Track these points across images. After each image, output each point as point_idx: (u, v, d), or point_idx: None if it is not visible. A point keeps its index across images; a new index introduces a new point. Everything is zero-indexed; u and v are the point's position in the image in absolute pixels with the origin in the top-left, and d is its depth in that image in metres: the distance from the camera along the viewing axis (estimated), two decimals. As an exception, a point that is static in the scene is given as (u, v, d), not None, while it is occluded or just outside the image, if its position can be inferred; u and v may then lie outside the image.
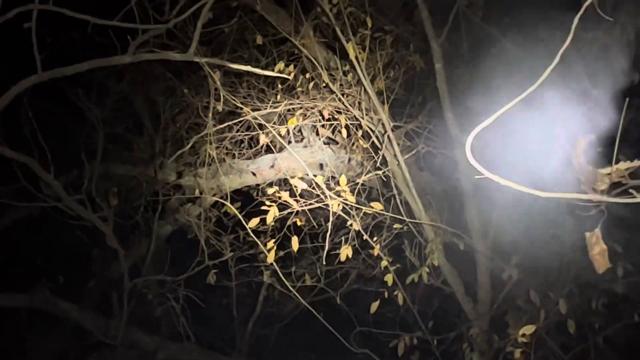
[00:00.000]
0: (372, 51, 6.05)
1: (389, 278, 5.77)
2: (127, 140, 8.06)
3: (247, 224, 5.15)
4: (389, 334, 6.22)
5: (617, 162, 2.66)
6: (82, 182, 6.22)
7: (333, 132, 6.68)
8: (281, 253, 5.95)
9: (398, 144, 5.89)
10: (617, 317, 5.94)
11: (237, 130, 6.41)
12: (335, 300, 6.74)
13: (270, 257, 5.24)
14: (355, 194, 5.39)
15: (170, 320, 7.07)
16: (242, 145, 6.82)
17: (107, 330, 6.83)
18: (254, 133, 6.28)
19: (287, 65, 6.01)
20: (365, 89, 5.80)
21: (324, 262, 5.57)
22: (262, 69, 5.73)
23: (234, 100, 5.82)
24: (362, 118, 5.98)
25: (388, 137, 5.79)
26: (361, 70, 5.63)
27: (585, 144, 2.77)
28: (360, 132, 6.17)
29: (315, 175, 5.08)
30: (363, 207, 5.46)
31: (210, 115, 5.87)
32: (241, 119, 6.06)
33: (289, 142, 6.58)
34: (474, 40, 6.22)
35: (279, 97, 6.22)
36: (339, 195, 5.21)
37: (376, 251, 5.72)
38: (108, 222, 6.38)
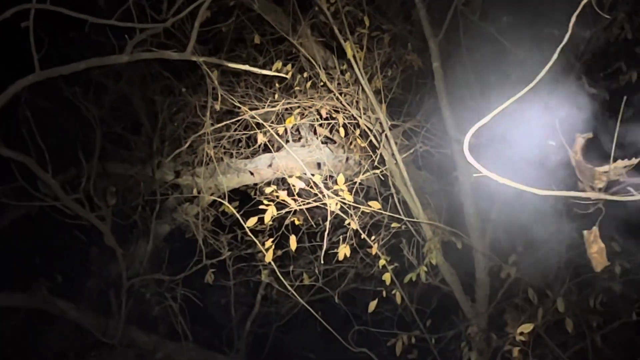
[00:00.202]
0: (369, 50, 6.06)
1: (387, 277, 5.76)
2: (124, 140, 8.04)
3: (245, 223, 5.15)
4: (387, 333, 6.23)
5: (614, 159, 2.66)
6: (79, 181, 6.21)
7: (331, 131, 6.68)
8: (279, 252, 5.95)
9: (396, 143, 5.89)
10: (615, 316, 5.95)
11: (235, 130, 6.41)
12: (333, 300, 6.74)
13: (268, 257, 5.25)
14: (353, 193, 5.40)
15: (169, 319, 7.06)
16: (240, 145, 6.82)
17: (105, 330, 6.83)
18: (251, 132, 6.29)
19: (284, 65, 6.02)
20: (362, 88, 5.80)
21: (322, 261, 5.56)
22: (260, 68, 5.72)
23: (231, 99, 5.82)
24: (360, 117, 5.99)
25: (386, 136, 5.79)
26: (359, 69, 5.63)
27: (583, 141, 2.77)
28: (358, 131, 6.17)
29: (313, 175, 5.08)
30: (361, 206, 5.47)
31: (208, 114, 5.86)
32: (239, 118, 6.06)
33: (287, 141, 6.57)
34: (472, 39, 6.22)
35: (276, 96, 6.22)
36: (337, 194, 5.21)
37: (374, 250, 5.72)
38: (106, 222, 6.37)
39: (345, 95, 6.02)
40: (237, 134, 6.49)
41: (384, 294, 5.99)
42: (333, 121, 6.13)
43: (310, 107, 6.15)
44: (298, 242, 5.40)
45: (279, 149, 6.69)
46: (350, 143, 6.51)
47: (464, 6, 6.15)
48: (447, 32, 5.88)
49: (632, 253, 5.67)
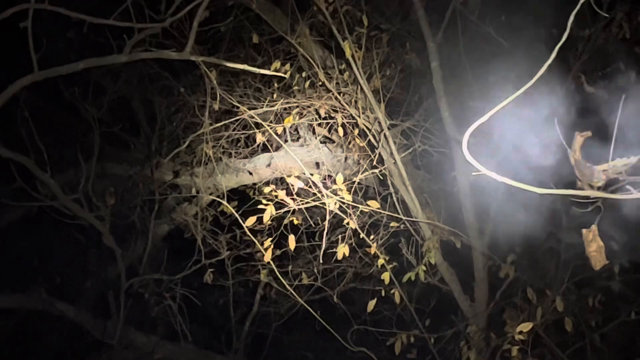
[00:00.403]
0: (368, 50, 6.05)
1: (385, 276, 5.76)
2: (123, 140, 8.06)
3: (244, 223, 5.15)
4: (386, 333, 6.24)
5: (613, 158, 2.66)
6: (78, 181, 6.20)
7: (329, 131, 6.68)
8: (278, 252, 5.94)
9: (394, 143, 5.89)
10: (614, 315, 5.95)
11: (234, 129, 6.41)
12: (332, 299, 6.74)
13: (267, 256, 5.25)
14: (351, 192, 5.40)
15: (167, 319, 7.06)
16: (239, 144, 6.82)
17: (104, 330, 6.83)
18: (250, 132, 6.29)
19: (283, 64, 6.01)
20: (361, 88, 5.80)
21: (321, 261, 5.57)
22: (259, 67, 5.72)
23: (230, 99, 5.83)
24: (359, 116, 5.99)
25: (384, 135, 5.79)
26: (357, 69, 5.63)
27: (582, 140, 2.77)
28: (356, 131, 6.17)
29: (311, 174, 5.08)
30: (360, 206, 5.47)
31: (206, 114, 5.87)
32: (237, 117, 6.07)
33: (286, 140, 6.57)
34: (470, 39, 6.22)
35: (275, 95, 6.22)
36: (336, 194, 5.21)
37: (373, 249, 5.72)
38: (105, 222, 6.37)
39: (343, 95, 6.02)
40: (235, 134, 6.49)
41: (383, 293, 5.99)
42: (332, 121, 6.14)
43: (308, 107, 6.15)
44: (297, 241, 5.40)
45: (277, 148, 6.70)
46: (349, 142, 6.51)
47: (463, 6, 6.15)
48: (446, 32, 5.88)
49: (630, 252, 5.67)
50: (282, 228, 5.72)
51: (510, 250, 6.11)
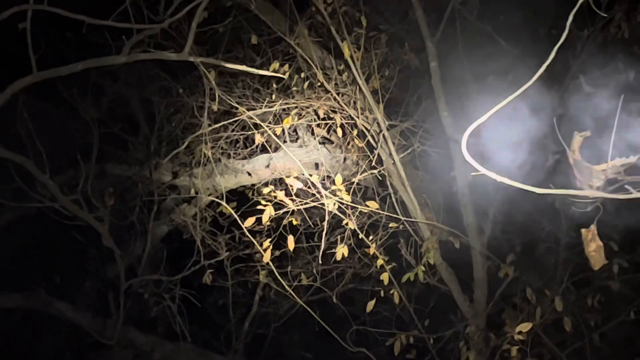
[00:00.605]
0: (367, 50, 6.05)
1: (385, 277, 5.77)
2: (122, 141, 8.05)
3: (243, 224, 5.15)
4: (385, 333, 6.24)
5: (612, 158, 2.67)
6: (77, 182, 6.19)
7: (328, 132, 6.68)
8: (277, 253, 5.94)
9: (393, 143, 5.89)
10: (613, 314, 5.96)
11: (233, 130, 6.41)
12: (331, 300, 6.73)
13: (266, 257, 5.25)
14: (350, 193, 5.40)
15: (167, 320, 7.06)
16: (238, 145, 6.82)
17: (103, 330, 6.82)
18: (249, 133, 6.29)
19: (282, 65, 6.01)
20: (360, 88, 5.80)
21: (320, 262, 5.56)
22: (257, 68, 5.72)
23: (229, 99, 5.83)
24: (358, 117, 5.99)
25: (383, 136, 5.79)
26: (356, 70, 5.63)
27: (581, 140, 2.77)
28: (355, 132, 6.18)
29: (310, 175, 5.08)
30: (359, 206, 5.47)
31: (205, 115, 5.87)
32: (236, 118, 6.07)
33: (284, 141, 6.58)
34: (469, 39, 6.23)
35: (274, 96, 6.22)
36: (335, 195, 5.21)
37: (372, 250, 5.72)
38: (104, 222, 6.37)
39: (342, 96, 6.02)
40: (234, 135, 6.49)
41: (382, 293, 5.99)
42: (330, 121, 6.14)
43: (307, 108, 6.15)
44: (296, 242, 5.40)
45: (276, 149, 6.70)
46: (348, 143, 6.51)
47: (461, 6, 6.16)
48: (444, 32, 5.89)
49: (629, 251, 5.68)
50: (281, 229, 5.73)
51: (510, 250, 6.12)
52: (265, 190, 5.17)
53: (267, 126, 5.65)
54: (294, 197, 5.25)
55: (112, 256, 6.58)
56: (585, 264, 3.23)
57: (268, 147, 6.30)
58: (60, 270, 7.36)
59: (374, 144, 5.97)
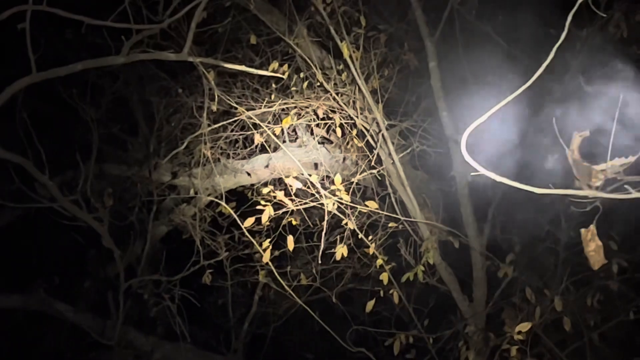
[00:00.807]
0: (366, 50, 6.05)
1: (384, 277, 5.77)
2: (121, 141, 8.04)
3: (243, 224, 5.15)
4: (384, 333, 6.23)
5: (612, 158, 2.66)
6: (76, 182, 6.19)
7: (327, 132, 6.68)
8: (276, 253, 5.94)
9: (393, 143, 5.89)
10: (613, 314, 5.96)
11: (232, 130, 6.41)
12: (330, 300, 6.73)
13: (266, 257, 5.26)
14: (350, 193, 5.40)
15: (166, 320, 7.05)
16: (237, 145, 6.82)
17: (103, 331, 6.82)
18: (248, 133, 6.29)
19: (281, 65, 6.02)
20: (359, 88, 5.80)
21: (320, 262, 5.57)
22: (256, 68, 5.72)
23: (228, 100, 5.82)
24: (357, 117, 5.99)
25: (382, 136, 5.79)
26: (355, 69, 5.63)
27: (580, 139, 2.77)
28: (354, 131, 6.18)
29: (310, 175, 5.08)
30: (358, 206, 5.47)
31: (204, 115, 5.87)
32: (235, 118, 6.07)
33: (284, 141, 6.58)
34: (468, 38, 6.23)
35: (273, 96, 6.22)
36: (334, 195, 5.21)
37: (371, 250, 5.73)
38: (103, 223, 6.36)
39: (341, 96, 6.02)
40: (233, 135, 6.50)
41: (382, 293, 5.99)
42: (330, 121, 6.14)
43: (306, 108, 6.15)
44: (295, 242, 5.41)
45: (275, 149, 6.70)
46: (347, 143, 6.51)
47: (460, 5, 6.16)
48: (444, 32, 5.89)
49: (629, 251, 5.68)
50: (280, 229, 5.73)
51: (509, 250, 6.12)
52: (265, 190, 5.17)
53: (266, 126, 5.66)
54: (293, 197, 5.25)
55: (111, 256, 6.58)
56: (585, 264, 3.22)
57: (267, 147, 6.31)
58: (60, 270, 7.36)
59: (373, 144, 5.97)
